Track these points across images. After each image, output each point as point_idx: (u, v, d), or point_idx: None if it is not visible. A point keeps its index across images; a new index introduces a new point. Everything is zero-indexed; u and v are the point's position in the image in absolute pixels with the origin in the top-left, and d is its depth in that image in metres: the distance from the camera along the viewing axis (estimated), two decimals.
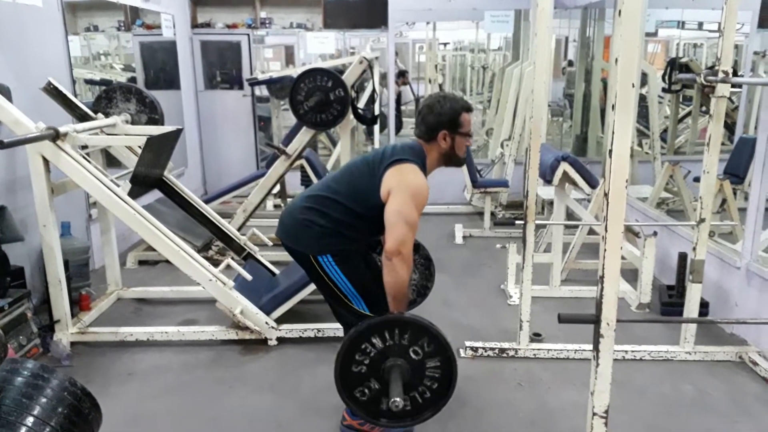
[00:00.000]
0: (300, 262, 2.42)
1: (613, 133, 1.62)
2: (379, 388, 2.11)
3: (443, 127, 2.34)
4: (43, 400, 1.74)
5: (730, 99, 5.84)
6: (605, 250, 1.70)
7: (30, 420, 1.68)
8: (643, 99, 6.09)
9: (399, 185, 2.23)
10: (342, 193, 2.35)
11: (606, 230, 1.69)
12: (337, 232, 2.33)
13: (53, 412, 1.74)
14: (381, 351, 2.08)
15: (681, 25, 6.97)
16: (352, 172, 2.41)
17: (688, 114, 6.62)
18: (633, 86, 1.60)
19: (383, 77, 6.88)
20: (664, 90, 6.52)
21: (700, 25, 7.25)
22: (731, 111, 5.87)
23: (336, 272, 2.33)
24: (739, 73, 6.15)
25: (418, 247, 2.93)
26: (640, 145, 6.11)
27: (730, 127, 5.95)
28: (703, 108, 6.17)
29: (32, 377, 1.78)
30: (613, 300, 1.74)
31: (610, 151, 1.63)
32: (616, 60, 1.59)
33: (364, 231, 2.38)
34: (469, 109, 2.39)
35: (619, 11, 1.58)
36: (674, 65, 6.32)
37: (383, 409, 2.13)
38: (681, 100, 6.73)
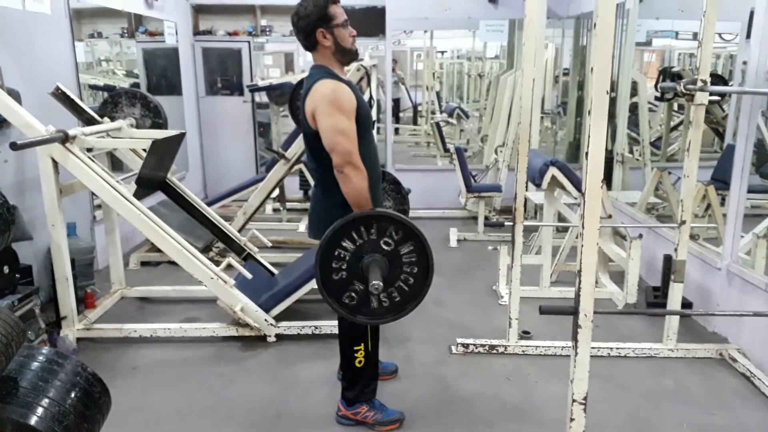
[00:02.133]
0: None
1: (589, 136, 1.75)
2: (364, 288, 2.17)
3: (316, 25, 2.33)
4: (58, 383, 1.86)
5: (720, 107, 6.03)
6: (582, 245, 1.83)
7: (46, 401, 1.79)
8: (635, 107, 6.23)
9: (316, 104, 2.26)
10: (311, 163, 2.45)
11: (583, 227, 1.82)
12: (342, 203, 2.35)
13: (67, 394, 1.85)
14: (354, 252, 2.15)
15: (676, 35, 7.13)
16: (303, 137, 2.48)
17: (681, 123, 6.76)
18: (607, 93, 1.74)
19: (381, 84, 7.02)
20: (656, 98, 6.67)
21: (695, 35, 7.41)
22: (721, 119, 6.02)
23: None
24: (730, 83, 6.33)
25: (384, 174, 2.98)
26: (631, 152, 6.25)
27: (720, 134, 6.09)
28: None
29: (47, 362, 1.90)
30: (590, 293, 1.86)
31: (587, 153, 1.77)
32: (592, 69, 1.73)
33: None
34: (335, 0, 2.37)
35: (594, 24, 1.72)
36: (666, 74, 6.48)
37: (374, 307, 2.21)
38: (675, 108, 6.88)
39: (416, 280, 2.22)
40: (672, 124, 6.81)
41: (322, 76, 2.33)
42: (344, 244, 2.16)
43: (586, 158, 1.77)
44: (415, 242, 2.18)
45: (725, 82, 6.51)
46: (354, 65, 4.70)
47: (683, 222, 3.10)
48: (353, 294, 2.21)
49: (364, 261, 2.16)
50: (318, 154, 2.37)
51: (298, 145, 4.70)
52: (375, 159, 2.52)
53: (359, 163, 2.27)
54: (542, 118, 6.54)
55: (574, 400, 2.05)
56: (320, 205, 2.50)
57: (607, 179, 5.91)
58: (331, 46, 2.37)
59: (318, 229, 2.43)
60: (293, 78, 6.65)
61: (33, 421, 1.73)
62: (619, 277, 4.14)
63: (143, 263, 4.82)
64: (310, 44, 2.39)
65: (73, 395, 1.87)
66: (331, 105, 2.25)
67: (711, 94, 2.97)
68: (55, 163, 3.19)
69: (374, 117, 6.07)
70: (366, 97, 6.65)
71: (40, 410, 1.76)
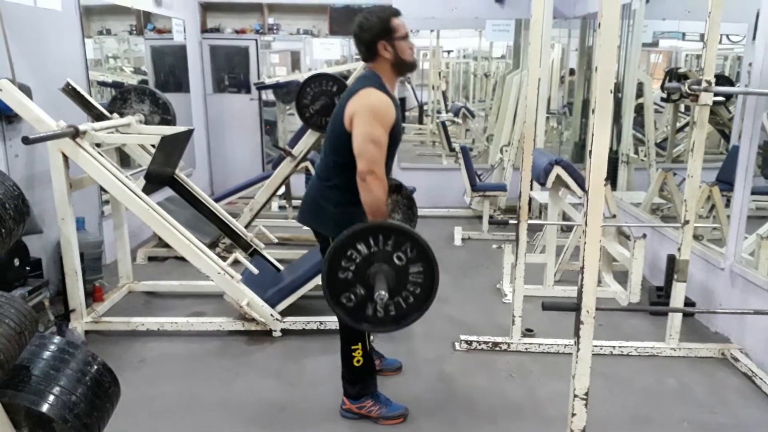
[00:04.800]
0: (321, 241, 2.59)
1: (592, 135, 1.78)
2: (365, 293, 2.20)
3: (379, 38, 2.37)
4: (69, 372, 1.90)
5: (727, 109, 6.03)
6: (585, 242, 1.85)
7: (57, 389, 1.83)
8: (641, 108, 6.24)
9: (358, 108, 2.31)
10: (328, 155, 2.48)
11: (586, 224, 1.84)
12: (345, 201, 2.42)
13: (78, 383, 1.89)
14: (366, 257, 2.18)
15: (682, 36, 7.13)
16: (329, 130, 2.52)
17: (687, 124, 6.76)
18: (611, 92, 1.77)
19: None
20: (662, 99, 6.67)
21: (702, 36, 7.38)
22: (727, 120, 6.03)
23: None
24: (737, 84, 6.32)
25: (400, 188, 3.01)
26: (636, 152, 6.27)
27: (726, 136, 6.10)
28: None
29: (59, 352, 1.93)
30: (593, 289, 1.89)
31: (590, 151, 1.79)
32: (596, 68, 1.76)
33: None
34: (396, 13, 2.42)
35: (599, 24, 1.75)
36: (672, 75, 6.48)
37: (368, 315, 2.24)
38: (682, 110, 6.88)
39: (415, 302, 2.24)
40: (678, 125, 6.81)
41: (373, 84, 2.38)
42: (359, 247, 2.19)
43: (590, 156, 1.79)
44: (425, 263, 2.21)
45: (732, 84, 6.51)
46: (361, 64, 4.75)
47: (687, 222, 3.12)
48: (352, 296, 2.24)
49: (372, 269, 2.19)
50: (338, 151, 2.41)
51: (305, 143, 4.75)
52: (389, 172, 2.56)
53: (383, 174, 2.33)
54: (548, 118, 6.57)
55: (575, 396, 2.07)
56: (320, 199, 2.53)
57: (612, 179, 5.93)
58: (391, 59, 2.42)
59: (310, 217, 2.53)
60: (300, 76, 6.67)
61: (45, 408, 1.76)
62: (622, 277, 4.16)
63: (150, 258, 4.87)
64: (370, 55, 2.43)
65: (83, 384, 1.91)
66: (372, 114, 2.30)
67: (715, 94, 2.99)
68: (65, 157, 3.23)
69: None
70: None
71: (51, 398, 1.80)
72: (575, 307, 1.97)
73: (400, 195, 3.01)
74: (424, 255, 2.20)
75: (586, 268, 1.88)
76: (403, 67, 2.47)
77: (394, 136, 2.41)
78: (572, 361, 2.01)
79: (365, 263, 2.19)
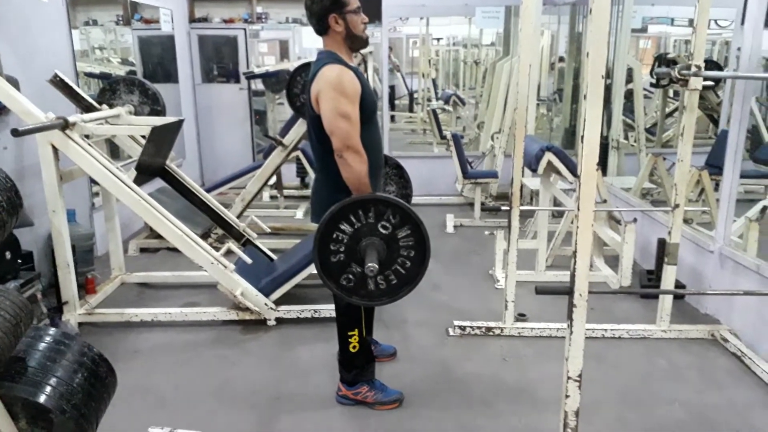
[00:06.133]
0: None
1: (584, 120, 1.79)
2: (362, 270, 2.22)
3: (329, 11, 2.35)
4: (65, 363, 1.90)
5: (715, 93, 6.06)
6: (578, 227, 1.87)
7: (54, 380, 1.84)
8: (630, 93, 6.26)
9: (321, 87, 2.28)
10: (314, 146, 2.47)
11: (578, 209, 1.86)
12: (343, 187, 2.37)
13: (74, 374, 1.90)
14: (352, 235, 2.20)
15: (671, 21, 7.15)
16: (307, 121, 2.50)
17: (676, 109, 6.80)
18: (603, 78, 1.78)
19: (376, 71, 7.03)
20: (651, 85, 6.70)
21: (691, 21, 7.41)
22: (716, 105, 6.07)
23: None
24: (725, 69, 6.36)
25: (386, 159, 3.02)
26: (626, 138, 6.30)
27: (715, 120, 6.14)
28: None
29: (54, 343, 1.94)
30: (585, 273, 1.91)
31: (582, 137, 1.80)
32: (587, 54, 1.77)
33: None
34: None
35: (590, 9, 1.75)
36: (661, 61, 6.50)
37: (371, 289, 2.26)
38: (671, 95, 6.91)
39: (413, 264, 2.26)
40: (667, 110, 6.85)
41: (330, 61, 2.35)
42: (342, 227, 2.20)
43: (582, 142, 1.80)
44: (412, 226, 2.22)
45: (720, 69, 6.55)
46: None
47: (677, 206, 3.15)
48: (350, 276, 2.25)
49: (361, 244, 2.20)
50: (320, 138, 2.40)
51: (296, 132, 4.73)
52: (378, 146, 2.55)
53: (359, 148, 2.30)
54: (538, 104, 6.58)
55: (569, 378, 2.09)
56: (322, 190, 2.53)
57: (603, 165, 5.96)
58: (343, 32, 2.39)
59: (319, 214, 2.46)
60: (290, 65, 6.65)
61: (42, 399, 1.77)
62: (613, 261, 4.19)
63: (142, 249, 4.86)
64: (321, 29, 2.41)
65: (80, 374, 1.91)
66: (335, 89, 2.26)
67: (705, 79, 3.01)
68: (55, 149, 3.21)
69: None
70: None
71: (48, 389, 1.80)
72: (568, 291, 2.00)
73: (387, 165, 2.98)
74: (408, 217, 2.20)
75: (578, 252, 1.89)
76: (355, 41, 2.43)
77: (368, 106, 2.38)
78: (565, 343, 2.03)
79: (353, 241, 2.20)
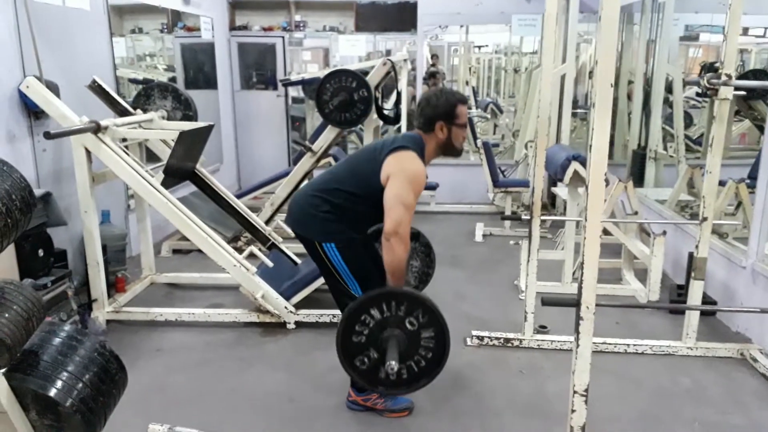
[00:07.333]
0: (306, 246, 2.63)
1: (592, 129, 1.76)
2: (378, 357, 2.28)
3: (440, 118, 2.50)
4: (77, 358, 1.96)
5: (766, 104, 5.82)
6: (585, 238, 1.83)
7: (65, 375, 1.90)
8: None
9: (397, 171, 2.40)
10: (344, 179, 2.54)
11: (585, 219, 1.83)
12: (339, 218, 2.52)
13: (85, 369, 1.95)
14: (379, 322, 2.25)
15: (723, 30, 6.90)
16: (358, 157, 2.63)
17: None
18: (611, 86, 1.74)
19: (413, 79, 7.05)
20: (698, 95, 6.50)
21: (746, 30, 7.15)
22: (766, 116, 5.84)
23: (337, 258, 2.53)
24: None
25: (418, 235, 3.08)
26: (665, 148, 6.12)
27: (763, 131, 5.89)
28: (741, 113, 6.09)
29: (67, 338, 2.00)
30: (593, 285, 1.87)
31: (590, 146, 1.77)
32: (596, 62, 1.74)
33: (365, 215, 2.55)
34: (464, 101, 2.55)
35: (599, 17, 1.73)
36: (709, 70, 6.29)
37: (381, 377, 2.30)
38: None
39: (426, 365, 2.31)
40: None
41: (416, 149, 2.47)
42: (372, 312, 2.26)
43: (590, 151, 1.77)
44: (436, 329, 2.27)
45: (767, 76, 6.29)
46: (380, 60, 4.77)
47: (705, 219, 3.05)
48: (366, 359, 2.30)
49: (385, 333, 2.26)
50: (361, 185, 2.49)
51: (325, 139, 4.79)
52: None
53: (407, 237, 2.40)
54: (575, 114, 6.47)
55: (575, 392, 2.06)
56: (307, 205, 2.58)
57: (639, 176, 5.82)
58: (443, 139, 2.53)
59: (298, 223, 2.61)
60: (322, 73, 6.72)
61: (52, 392, 1.83)
62: (644, 275, 4.08)
63: (175, 251, 4.99)
64: (425, 128, 2.54)
65: (90, 370, 1.97)
66: (410, 181, 2.39)
67: (736, 88, 2.92)
68: (88, 152, 3.34)
69: (404, 111, 6.10)
70: (394, 93, 6.64)
71: (59, 383, 1.87)
72: (575, 303, 1.96)
73: (418, 242, 3.09)
74: (435, 321, 2.26)
75: (585, 263, 1.86)
76: (450, 150, 2.57)
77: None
78: (572, 357, 2.00)
79: (378, 328, 2.26)
